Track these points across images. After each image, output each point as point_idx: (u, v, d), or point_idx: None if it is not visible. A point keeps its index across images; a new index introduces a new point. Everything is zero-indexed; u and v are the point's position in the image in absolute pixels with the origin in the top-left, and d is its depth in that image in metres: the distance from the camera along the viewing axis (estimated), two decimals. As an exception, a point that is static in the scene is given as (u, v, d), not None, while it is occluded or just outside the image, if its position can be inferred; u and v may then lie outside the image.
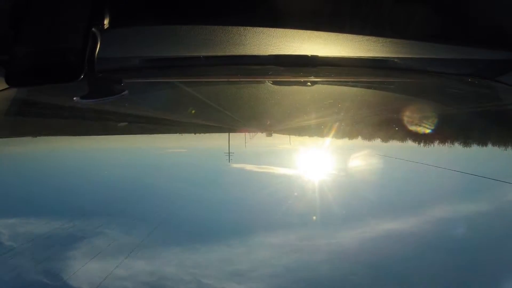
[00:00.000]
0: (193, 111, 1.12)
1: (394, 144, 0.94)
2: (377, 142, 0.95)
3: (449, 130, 1.05)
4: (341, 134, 0.96)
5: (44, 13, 0.81)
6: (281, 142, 0.94)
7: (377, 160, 0.84)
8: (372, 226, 0.59)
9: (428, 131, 0.98)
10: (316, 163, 0.82)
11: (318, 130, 0.98)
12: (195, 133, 1.05)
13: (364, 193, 0.71)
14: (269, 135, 0.95)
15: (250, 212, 0.64)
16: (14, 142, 1.01)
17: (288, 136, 0.97)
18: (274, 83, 1.27)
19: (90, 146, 0.97)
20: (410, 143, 0.96)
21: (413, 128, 0.99)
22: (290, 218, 0.61)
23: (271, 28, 1.12)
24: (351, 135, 0.98)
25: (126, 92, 0.97)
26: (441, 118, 1.07)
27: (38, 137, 1.01)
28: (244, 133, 0.95)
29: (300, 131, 0.99)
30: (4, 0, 0.91)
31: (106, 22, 0.86)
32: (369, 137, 0.97)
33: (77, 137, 1.01)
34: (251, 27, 1.12)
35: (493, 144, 0.98)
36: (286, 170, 0.78)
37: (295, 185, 0.71)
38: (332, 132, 0.95)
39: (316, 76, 1.31)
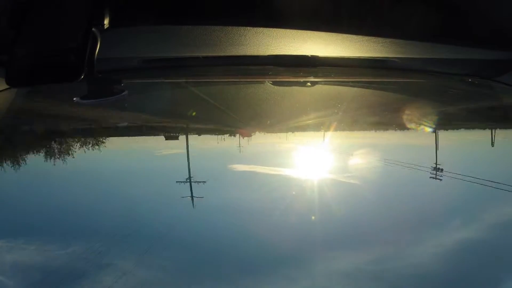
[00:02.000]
0: (193, 113, 1.12)
1: (394, 143, 0.94)
2: (378, 142, 0.95)
3: (448, 130, 1.05)
4: (341, 133, 0.96)
5: (44, 13, 0.81)
6: (282, 141, 0.93)
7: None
8: (441, 239, 0.49)
9: (428, 130, 0.98)
10: (333, 166, 0.76)
11: (318, 130, 0.98)
12: (195, 134, 1.04)
13: (411, 200, 0.60)
14: (269, 133, 0.95)
15: (295, 228, 0.50)
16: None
17: (291, 135, 0.96)
18: (274, 83, 1.27)
19: (88, 150, 0.92)
20: (410, 143, 0.96)
21: (413, 128, 0.99)
22: (346, 236, 0.48)
23: (271, 29, 1.12)
24: (351, 134, 0.98)
25: (126, 92, 0.97)
26: (441, 118, 1.07)
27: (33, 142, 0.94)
28: (244, 133, 0.95)
29: (301, 130, 0.99)
30: (4, 0, 0.91)
31: (106, 22, 0.86)
32: (370, 136, 0.97)
33: (73, 140, 0.98)
34: (251, 28, 1.11)
35: (493, 143, 0.98)
36: (299, 173, 0.70)
37: (321, 192, 0.60)
38: (333, 132, 0.95)
39: (316, 76, 1.31)
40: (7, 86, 0.83)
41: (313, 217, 0.56)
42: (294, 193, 0.63)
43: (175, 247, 0.49)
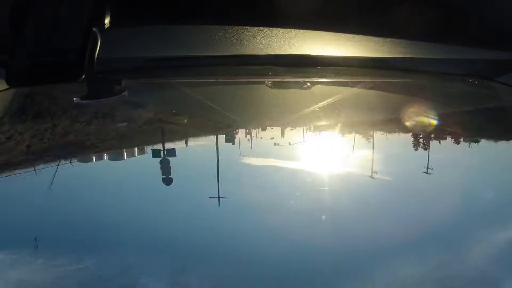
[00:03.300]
0: (191, 111, 1.12)
1: (394, 143, 0.94)
2: (378, 142, 0.95)
3: (449, 130, 1.05)
4: (341, 134, 0.96)
5: (45, 14, 0.81)
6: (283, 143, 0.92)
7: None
8: (484, 243, 0.47)
9: (428, 131, 0.98)
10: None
11: (318, 130, 0.99)
12: (196, 135, 1.04)
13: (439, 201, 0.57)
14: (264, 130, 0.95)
15: (337, 231, 0.45)
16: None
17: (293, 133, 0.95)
18: (274, 83, 1.27)
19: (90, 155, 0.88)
20: (410, 143, 0.96)
21: (413, 128, 0.99)
22: (399, 239, 0.45)
23: (271, 28, 1.12)
24: (351, 135, 0.98)
25: (125, 92, 0.97)
26: (441, 118, 1.07)
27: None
28: (244, 133, 0.95)
29: (301, 130, 0.99)
30: (5, 0, 0.91)
31: (106, 22, 0.86)
32: (370, 137, 0.97)
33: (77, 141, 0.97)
34: (251, 27, 1.12)
35: (493, 144, 0.98)
36: (318, 169, 0.68)
37: (354, 190, 0.57)
38: (333, 132, 0.95)
39: (316, 76, 1.30)
40: (7, 86, 0.83)
41: (356, 218, 0.51)
42: (317, 189, 0.60)
43: (211, 261, 0.42)
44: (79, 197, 0.58)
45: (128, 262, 0.39)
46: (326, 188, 0.60)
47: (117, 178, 0.68)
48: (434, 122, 1.02)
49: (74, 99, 0.96)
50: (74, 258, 0.39)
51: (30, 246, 0.43)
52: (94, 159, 0.81)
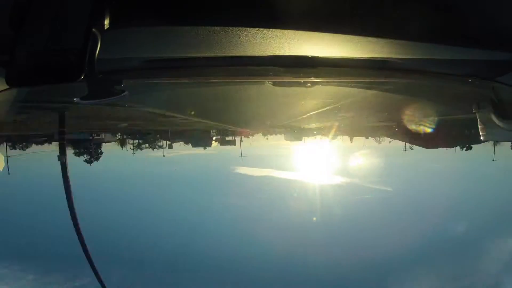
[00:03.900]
0: (192, 112, 1.12)
1: (395, 144, 0.94)
2: (377, 142, 0.95)
3: (449, 131, 1.05)
4: (341, 135, 0.96)
5: (45, 13, 0.81)
6: (286, 143, 0.92)
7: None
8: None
9: (428, 131, 0.98)
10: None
11: (318, 131, 0.98)
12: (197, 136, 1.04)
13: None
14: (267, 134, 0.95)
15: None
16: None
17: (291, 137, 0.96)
18: (274, 84, 1.27)
19: (94, 155, 0.89)
20: (410, 144, 0.96)
21: (413, 128, 0.99)
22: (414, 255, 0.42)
23: (271, 29, 1.12)
24: (351, 135, 0.98)
25: (126, 93, 0.97)
26: (441, 119, 1.07)
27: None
28: (245, 133, 0.95)
29: (301, 131, 0.99)
30: (5, 0, 0.91)
31: (106, 22, 0.86)
32: (369, 137, 0.97)
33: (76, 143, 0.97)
34: (251, 28, 1.12)
35: (493, 145, 0.98)
36: (317, 178, 0.67)
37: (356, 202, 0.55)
38: (333, 133, 0.95)
39: (316, 77, 1.31)
40: (7, 86, 0.83)
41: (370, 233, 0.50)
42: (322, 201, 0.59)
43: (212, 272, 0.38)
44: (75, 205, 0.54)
45: (127, 280, 0.32)
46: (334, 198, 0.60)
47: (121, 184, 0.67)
48: (435, 124, 1.02)
49: (75, 99, 0.96)
50: (68, 274, 0.31)
51: (21, 260, 0.35)
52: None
